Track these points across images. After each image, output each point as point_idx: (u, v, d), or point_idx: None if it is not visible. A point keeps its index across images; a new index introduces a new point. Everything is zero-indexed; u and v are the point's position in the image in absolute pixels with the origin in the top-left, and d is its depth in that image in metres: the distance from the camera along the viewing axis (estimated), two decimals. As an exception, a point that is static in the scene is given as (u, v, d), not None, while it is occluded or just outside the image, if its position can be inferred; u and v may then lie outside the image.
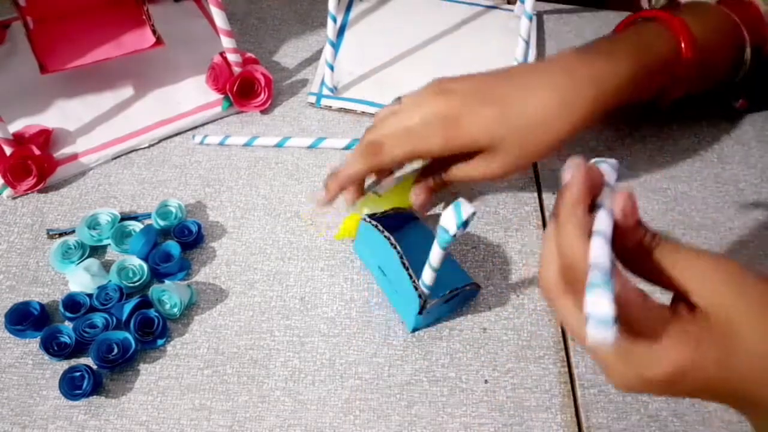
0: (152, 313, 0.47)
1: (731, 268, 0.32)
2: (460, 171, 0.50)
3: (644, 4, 0.65)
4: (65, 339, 0.46)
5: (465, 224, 0.37)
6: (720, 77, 0.56)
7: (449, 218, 0.37)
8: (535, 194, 0.57)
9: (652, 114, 0.60)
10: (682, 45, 0.50)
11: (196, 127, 0.60)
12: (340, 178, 0.49)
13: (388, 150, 0.47)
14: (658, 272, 0.33)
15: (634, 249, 0.33)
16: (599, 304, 0.28)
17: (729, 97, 0.60)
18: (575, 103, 0.47)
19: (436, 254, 0.40)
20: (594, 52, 0.49)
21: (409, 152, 0.47)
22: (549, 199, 0.56)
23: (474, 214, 0.37)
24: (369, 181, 0.52)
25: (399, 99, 0.50)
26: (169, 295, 0.47)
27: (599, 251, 0.30)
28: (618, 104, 0.49)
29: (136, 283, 0.49)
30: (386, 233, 0.46)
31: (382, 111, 0.50)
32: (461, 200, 0.37)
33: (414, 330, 0.48)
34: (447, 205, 0.39)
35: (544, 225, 0.55)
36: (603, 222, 0.32)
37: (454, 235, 0.37)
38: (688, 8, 0.55)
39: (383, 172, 0.52)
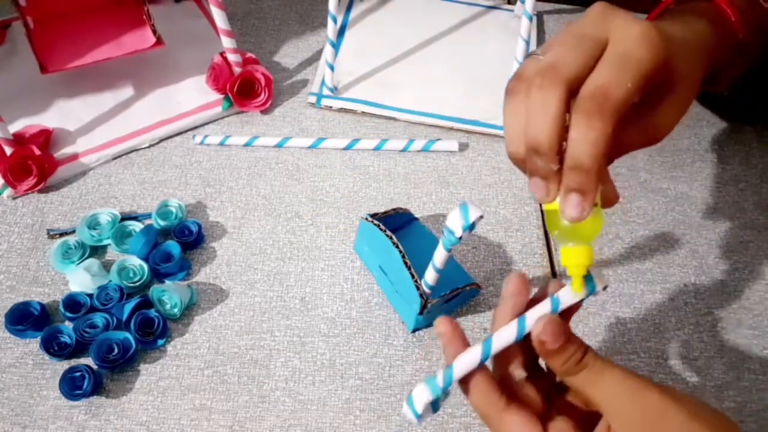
0: (152, 313, 0.47)
1: (648, 402, 0.30)
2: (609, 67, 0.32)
3: None
4: (65, 339, 0.46)
5: (471, 227, 0.37)
6: (755, 60, 0.50)
7: (456, 220, 0.36)
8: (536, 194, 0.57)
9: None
10: (731, 16, 0.45)
11: (196, 127, 0.60)
12: (535, 140, 0.31)
13: (567, 61, 0.31)
14: (583, 393, 0.31)
15: (559, 369, 0.31)
16: (421, 395, 0.31)
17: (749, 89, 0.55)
18: (704, 38, 0.40)
19: (440, 255, 0.40)
20: (668, 17, 0.43)
21: (589, 56, 0.31)
22: (549, 199, 0.56)
23: (481, 217, 0.36)
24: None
25: (534, 53, 0.34)
26: (170, 295, 0.47)
27: (471, 357, 0.31)
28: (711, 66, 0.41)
29: (137, 283, 0.49)
30: (388, 232, 0.46)
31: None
32: (468, 203, 0.37)
33: (414, 330, 0.48)
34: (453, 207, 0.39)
35: (544, 225, 0.55)
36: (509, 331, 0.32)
37: (460, 237, 0.37)
38: None
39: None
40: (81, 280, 0.48)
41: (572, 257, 0.31)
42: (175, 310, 0.47)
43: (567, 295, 0.31)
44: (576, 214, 0.31)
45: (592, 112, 0.30)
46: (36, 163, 0.53)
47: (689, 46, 0.38)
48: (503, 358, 0.34)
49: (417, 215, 0.52)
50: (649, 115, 0.35)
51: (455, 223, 0.36)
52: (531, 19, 0.56)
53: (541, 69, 0.31)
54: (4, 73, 0.61)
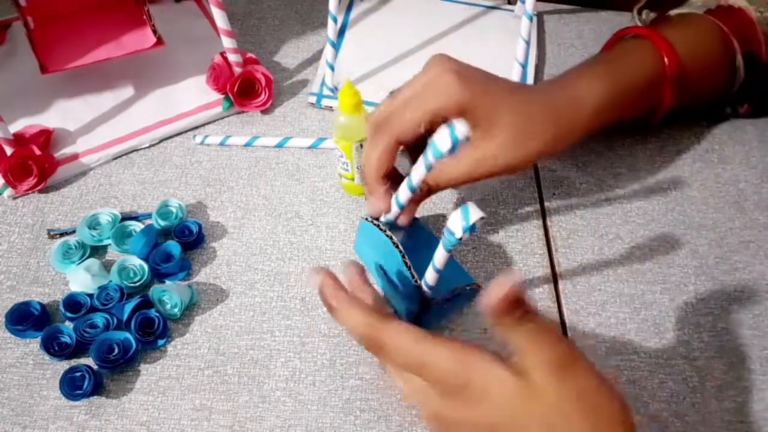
0: (153, 313, 0.47)
1: (565, 359, 0.32)
2: (445, 161, 0.43)
3: (634, 17, 0.65)
4: (66, 339, 0.46)
5: (472, 228, 0.37)
6: (712, 91, 0.56)
7: (456, 221, 0.36)
8: (536, 194, 0.57)
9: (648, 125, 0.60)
10: (666, 61, 0.51)
11: (196, 127, 0.60)
12: (364, 170, 0.46)
13: (396, 118, 0.44)
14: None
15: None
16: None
17: (732, 105, 0.60)
18: (554, 116, 0.47)
19: (440, 256, 0.40)
20: (574, 74, 0.50)
21: (422, 111, 0.43)
22: (549, 199, 0.56)
23: (482, 218, 0.36)
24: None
25: (392, 92, 0.47)
26: (170, 295, 0.47)
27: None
28: (601, 123, 0.49)
29: (137, 284, 0.49)
30: (388, 233, 0.46)
31: (379, 105, 0.47)
32: (470, 204, 0.37)
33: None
34: (455, 207, 0.39)
35: (545, 225, 0.55)
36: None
37: (461, 239, 0.37)
38: (675, 23, 0.56)
39: (410, 149, 0.47)
40: (81, 280, 0.48)
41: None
42: (176, 310, 0.47)
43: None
44: (370, 211, 0.47)
45: (372, 135, 0.45)
46: (36, 163, 0.53)
47: (543, 103, 0.47)
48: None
49: (417, 215, 0.52)
50: (477, 147, 0.45)
51: (456, 224, 0.36)
52: (531, 19, 0.56)
53: (376, 122, 0.45)
54: (4, 73, 0.61)
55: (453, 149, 0.37)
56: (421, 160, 0.40)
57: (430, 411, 0.36)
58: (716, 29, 0.54)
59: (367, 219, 0.47)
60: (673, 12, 0.58)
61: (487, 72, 0.47)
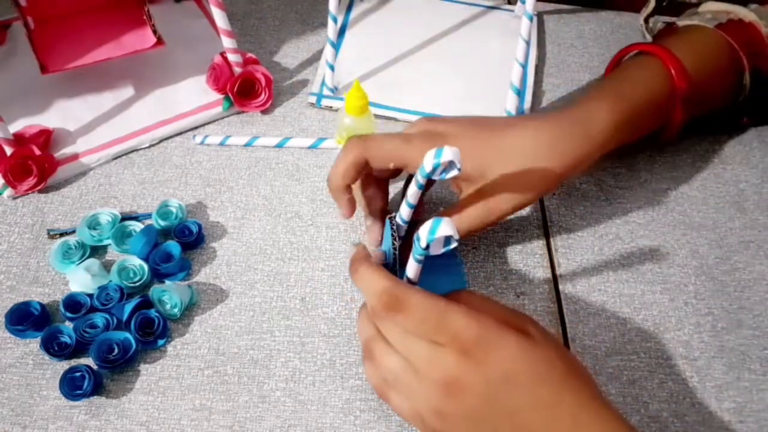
0: (153, 313, 0.47)
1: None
2: (453, 211, 0.46)
3: (642, 28, 0.64)
4: (66, 339, 0.46)
5: (447, 242, 0.36)
6: (718, 104, 0.56)
7: (425, 232, 0.36)
8: (536, 194, 0.57)
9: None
10: (675, 80, 0.50)
11: (196, 128, 0.60)
12: (330, 178, 0.47)
13: (374, 142, 0.45)
14: None
15: None
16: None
17: (732, 117, 0.59)
18: (564, 145, 0.46)
19: (411, 266, 0.39)
20: (582, 98, 0.50)
21: (394, 150, 0.45)
22: (549, 200, 0.56)
23: (451, 238, 0.36)
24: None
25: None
26: (170, 295, 0.47)
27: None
28: (612, 143, 0.49)
29: (137, 284, 0.49)
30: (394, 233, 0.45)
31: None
32: (445, 220, 0.36)
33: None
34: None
35: (545, 225, 0.55)
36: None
37: (426, 248, 0.36)
38: (681, 36, 0.55)
39: (371, 181, 0.49)
40: (81, 280, 0.48)
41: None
42: (176, 310, 0.47)
43: None
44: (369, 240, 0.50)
45: (347, 146, 0.46)
46: (36, 163, 0.53)
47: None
48: None
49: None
50: (481, 199, 0.46)
51: (423, 234, 0.36)
52: (531, 19, 0.55)
53: (357, 137, 0.46)
54: (4, 73, 0.61)
55: (435, 171, 0.37)
56: (414, 179, 0.40)
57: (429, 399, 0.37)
58: (725, 44, 0.53)
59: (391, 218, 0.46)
60: (681, 22, 0.57)
61: (474, 122, 0.48)
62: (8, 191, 0.54)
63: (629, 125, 0.49)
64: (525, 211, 0.55)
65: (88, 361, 0.45)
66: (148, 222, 0.52)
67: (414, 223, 0.45)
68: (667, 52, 0.51)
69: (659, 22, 0.63)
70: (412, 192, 0.41)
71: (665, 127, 0.54)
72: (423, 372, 0.37)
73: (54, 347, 0.45)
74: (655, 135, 0.54)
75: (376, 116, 0.61)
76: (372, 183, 0.50)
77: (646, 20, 0.64)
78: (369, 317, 0.40)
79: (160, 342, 0.47)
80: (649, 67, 0.51)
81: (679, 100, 0.51)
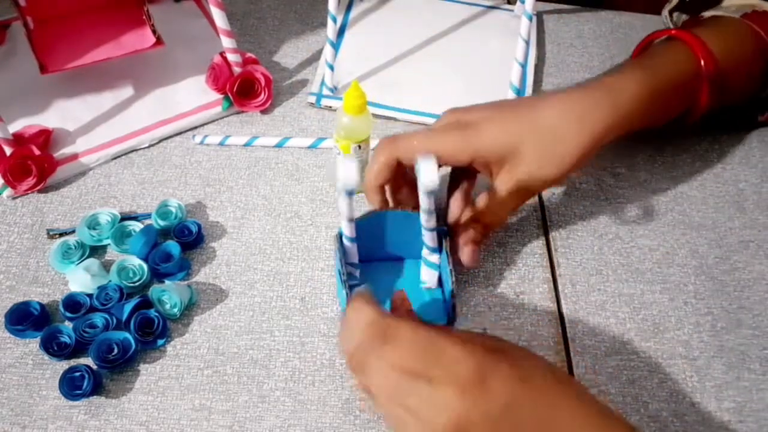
0: (152, 313, 0.47)
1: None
2: (488, 197, 0.48)
3: (666, 21, 0.64)
4: (65, 339, 0.46)
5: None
6: (745, 92, 0.55)
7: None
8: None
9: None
10: (702, 63, 0.50)
11: (196, 127, 0.60)
12: (365, 180, 0.48)
13: (403, 140, 0.46)
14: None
15: None
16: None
17: (753, 110, 0.59)
18: (593, 115, 0.46)
19: (423, 198, 0.43)
20: (609, 73, 0.49)
21: (422, 145, 0.45)
22: (549, 199, 0.56)
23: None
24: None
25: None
26: (169, 295, 0.47)
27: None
28: (637, 123, 0.48)
29: (136, 283, 0.49)
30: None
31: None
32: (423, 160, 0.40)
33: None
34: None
35: (544, 225, 0.55)
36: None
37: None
38: (708, 24, 0.55)
39: (401, 183, 0.49)
40: (81, 280, 0.48)
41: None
42: (175, 310, 0.47)
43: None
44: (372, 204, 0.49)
45: (378, 149, 0.46)
46: (36, 163, 0.53)
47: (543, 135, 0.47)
48: None
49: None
50: (510, 178, 0.47)
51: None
52: (531, 19, 0.56)
53: (386, 138, 0.47)
54: (4, 73, 0.61)
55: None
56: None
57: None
58: (751, 33, 0.53)
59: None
60: (706, 14, 0.57)
61: (501, 104, 0.48)
62: (8, 191, 0.54)
63: (656, 102, 0.49)
64: (525, 211, 0.55)
65: (88, 361, 0.45)
66: (147, 222, 0.52)
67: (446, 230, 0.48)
68: (694, 36, 0.51)
69: (683, 16, 0.63)
70: (423, 201, 0.42)
71: (690, 111, 0.53)
72: (425, 417, 0.34)
73: (53, 347, 0.45)
74: (679, 121, 0.54)
75: (376, 116, 0.61)
76: (402, 186, 0.49)
77: (671, 14, 0.64)
78: (355, 350, 0.37)
79: (160, 342, 0.47)
80: (677, 50, 0.51)
81: (706, 82, 0.51)
